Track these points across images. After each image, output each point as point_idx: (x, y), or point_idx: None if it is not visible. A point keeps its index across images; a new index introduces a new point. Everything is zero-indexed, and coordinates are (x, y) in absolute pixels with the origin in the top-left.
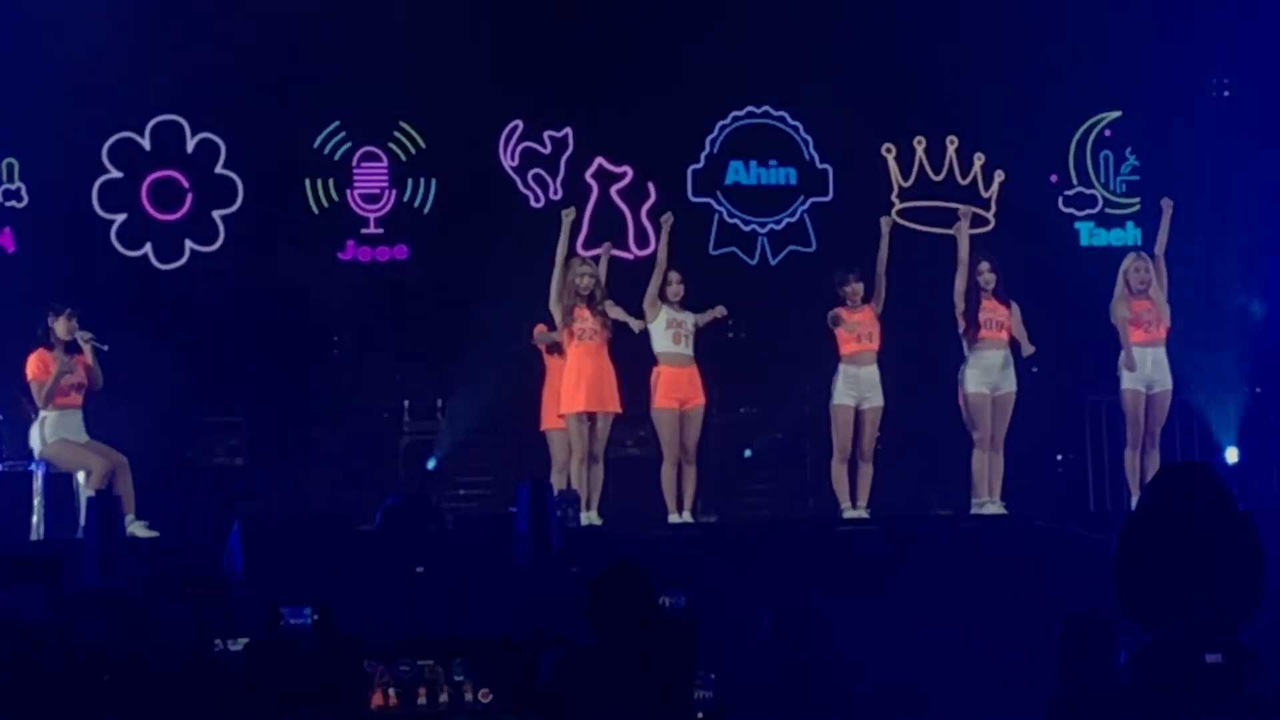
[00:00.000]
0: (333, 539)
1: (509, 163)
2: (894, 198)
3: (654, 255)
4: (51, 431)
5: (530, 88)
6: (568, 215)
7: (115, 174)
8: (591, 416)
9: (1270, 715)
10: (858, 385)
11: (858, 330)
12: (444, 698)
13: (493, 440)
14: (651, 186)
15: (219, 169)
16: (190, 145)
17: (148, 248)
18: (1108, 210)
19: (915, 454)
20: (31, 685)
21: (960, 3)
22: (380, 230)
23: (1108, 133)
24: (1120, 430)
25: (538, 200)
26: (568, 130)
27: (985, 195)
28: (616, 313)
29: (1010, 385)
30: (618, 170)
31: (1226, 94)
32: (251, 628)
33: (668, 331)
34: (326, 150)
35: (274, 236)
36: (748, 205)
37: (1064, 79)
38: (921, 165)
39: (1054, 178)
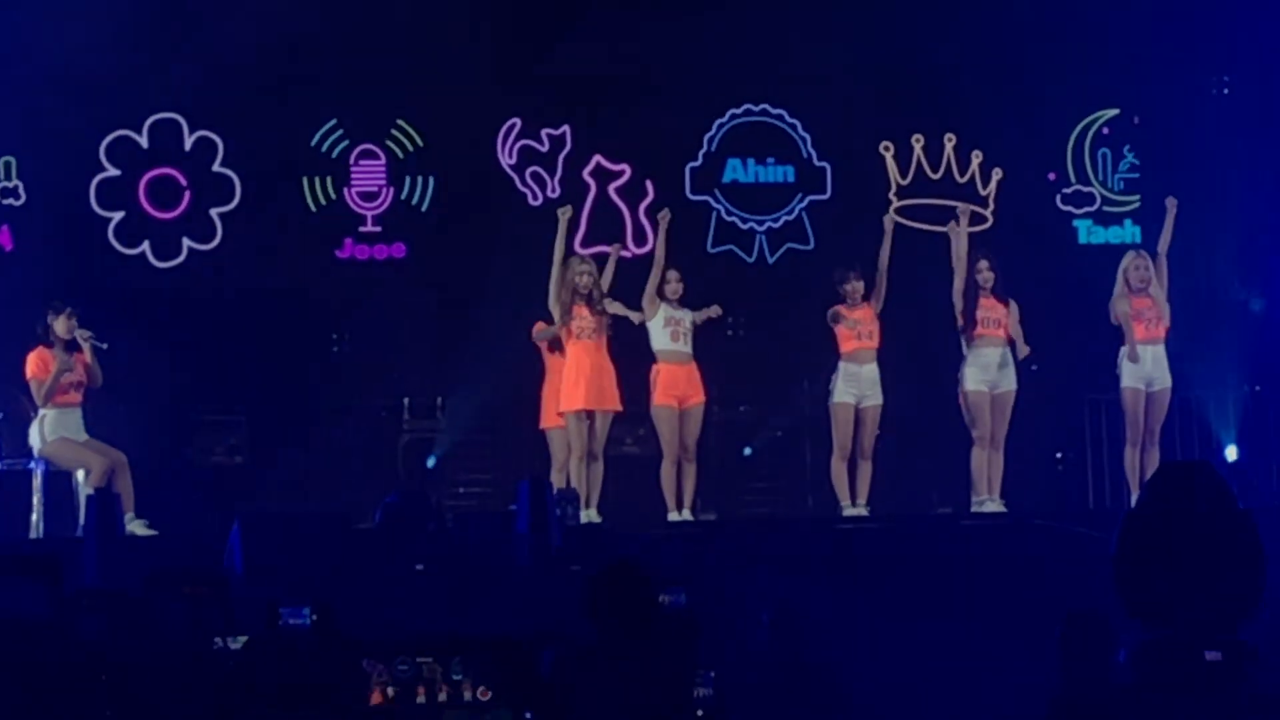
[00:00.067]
0: (332, 537)
1: (507, 161)
2: (892, 196)
3: (652, 253)
4: (51, 430)
5: (528, 86)
6: (564, 214)
7: (113, 172)
8: (591, 415)
9: (1270, 713)
10: (858, 383)
11: (858, 328)
12: (443, 696)
13: (492, 438)
14: (649, 185)
15: (217, 167)
16: (188, 143)
17: (145, 246)
18: (1106, 208)
19: (915, 452)
20: (30, 683)
21: (958, 1)
22: (378, 228)
23: (1106, 130)
24: (1120, 428)
25: (536, 198)
26: (566, 128)
27: (983, 193)
28: (616, 308)
29: (1009, 383)
30: (616, 168)
31: (1226, 91)
32: (251, 626)
33: (666, 329)
34: (324, 148)
35: (272, 235)
36: (746, 203)
37: (1062, 77)
38: (919, 163)
39: (1052, 176)
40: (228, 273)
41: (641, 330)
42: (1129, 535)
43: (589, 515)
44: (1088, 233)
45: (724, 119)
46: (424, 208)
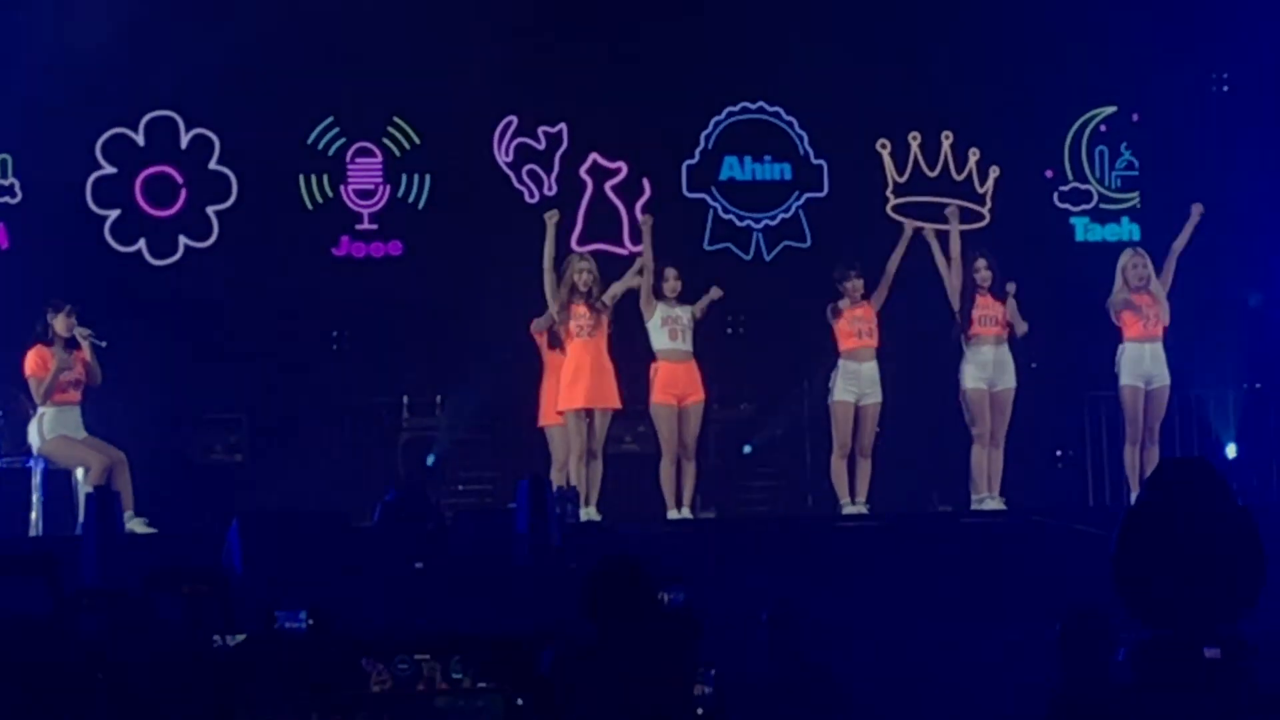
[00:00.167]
0: (331, 535)
1: (503, 158)
2: (889, 193)
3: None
4: (50, 428)
5: (525, 84)
6: (551, 218)
7: (109, 169)
8: (590, 413)
9: (1270, 712)
10: (857, 381)
11: (858, 326)
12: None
13: (492, 436)
14: (646, 182)
15: (213, 165)
16: (184, 141)
17: (141, 243)
18: (1103, 205)
19: (915, 450)
20: (29, 681)
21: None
22: (374, 226)
23: (1103, 128)
24: (1119, 426)
25: (532, 196)
26: (562, 126)
27: (980, 191)
28: (616, 288)
29: (1008, 381)
30: (612, 166)
31: (1225, 89)
32: (250, 624)
33: (664, 328)
34: (320, 146)
35: (268, 232)
36: (742, 201)
37: (1059, 74)
38: (917, 161)
39: (1049, 173)
40: (224, 270)
41: (641, 328)
42: (1129, 533)
43: (588, 513)
44: (1085, 230)
45: (721, 116)
46: (421, 205)
